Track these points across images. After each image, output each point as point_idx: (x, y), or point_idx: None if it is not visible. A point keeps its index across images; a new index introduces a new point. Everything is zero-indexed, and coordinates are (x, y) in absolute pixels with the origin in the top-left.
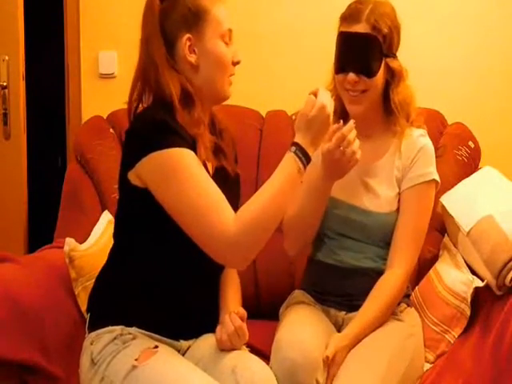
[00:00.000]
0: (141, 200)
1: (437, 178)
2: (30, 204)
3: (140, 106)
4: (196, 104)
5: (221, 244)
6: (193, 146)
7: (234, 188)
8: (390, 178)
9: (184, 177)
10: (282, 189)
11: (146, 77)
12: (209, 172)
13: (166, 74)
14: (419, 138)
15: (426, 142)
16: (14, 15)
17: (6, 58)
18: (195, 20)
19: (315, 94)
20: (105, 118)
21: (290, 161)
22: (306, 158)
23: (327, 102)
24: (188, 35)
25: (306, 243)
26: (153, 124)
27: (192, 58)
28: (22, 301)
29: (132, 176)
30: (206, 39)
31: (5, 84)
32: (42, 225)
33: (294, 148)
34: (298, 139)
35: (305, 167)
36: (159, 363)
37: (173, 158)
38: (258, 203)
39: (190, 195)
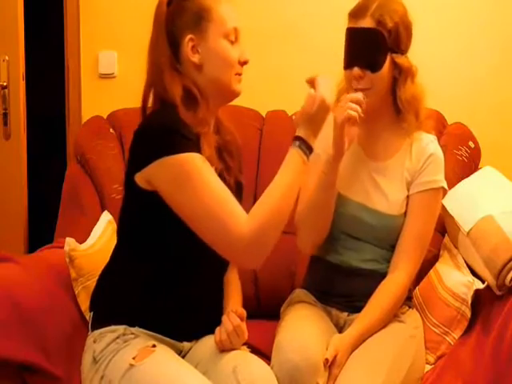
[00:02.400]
0: (146, 201)
1: (445, 185)
2: (30, 204)
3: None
4: (200, 105)
5: (237, 247)
6: (198, 144)
7: (235, 197)
8: (400, 179)
9: (198, 182)
10: (290, 185)
11: (153, 80)
12: None
13: (167, 76)
14: (430, 144)
15: (437, 148)
16: (14, 15)
17: (6, 58)
18: (197, 20)
19: (312, 82)
20: (105, 117)
21: (295, 156)
22: (309, 150)
23: (326, 92)
24: (190, 35)
25: (319, 239)
26: (165, 127)
27: (195, 58)
28: (22, 301)
29: (139, 178)
30: (208, 38)
31: (5, 84)
32: (42, 225)
33: (297, 142)
34: (300, 133)
35: (308, 158)
36: (156, 362)
37: (187, 164)
38: (269, 203)
39: (205, 201)
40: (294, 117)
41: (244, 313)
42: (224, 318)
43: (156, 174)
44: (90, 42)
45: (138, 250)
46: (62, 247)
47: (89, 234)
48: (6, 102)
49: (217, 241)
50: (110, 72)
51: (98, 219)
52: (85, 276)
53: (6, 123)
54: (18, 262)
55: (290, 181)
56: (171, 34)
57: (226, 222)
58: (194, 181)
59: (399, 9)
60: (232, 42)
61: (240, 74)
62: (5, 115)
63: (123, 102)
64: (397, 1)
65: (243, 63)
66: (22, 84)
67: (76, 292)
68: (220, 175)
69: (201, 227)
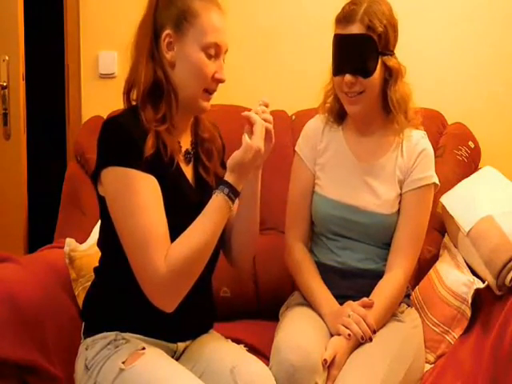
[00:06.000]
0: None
1: (437, 181)
2: (30, 204)
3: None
4: (165, 98)
5: (151, 281)
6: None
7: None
8: (391, 178)
9: (134, 200)
10: (212, 231)
11: (133, 64)
12: (185, 176)
13: (142, 60)
14: (420, 141)
15: (427, 145)
16: (14, 15)
17: (6, 57)
18: (180, 19)
19: (248, 120)
20: (105, 118)
21: (221, 202)
22: (235, 196)
23: (262, 140)
24: (168, 31)
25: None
26: (119, 135)
27: (168, 55)
28: (22, 301)
29: (99, 186)
30: (186, 42)
31: (5, 84)
32: (42, 225)
33: (226, 189)
34: (230, 178)
35: (233, 203)
36: (146, 365)
37: (130, 178)
38: (188, 246)
39: (135, 220)
40: (293, 117)
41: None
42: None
43: (105, 181)
44: (90, 42)
45: (120, 257)
46: (62, 247)
47: (89, 234)
48: (6, 102)
49: (135, 266)
50: (110, 72)
51: (98, 219)
52: (85, 276)
53: (6, 123)
54: (17, 261)
55: (213, 226)
56: (156, 19)
57: (148, 252)
58: (132, 198)
59: (386, 10)
60: (210, 57)
61: (211, 92)
62: (5, 115)
63: (123, 102)
64: (382, 1)
65: (216, 80)
66: (22, 84)
67: (76, 293)
68: (198, 174)
69: (126, 246)
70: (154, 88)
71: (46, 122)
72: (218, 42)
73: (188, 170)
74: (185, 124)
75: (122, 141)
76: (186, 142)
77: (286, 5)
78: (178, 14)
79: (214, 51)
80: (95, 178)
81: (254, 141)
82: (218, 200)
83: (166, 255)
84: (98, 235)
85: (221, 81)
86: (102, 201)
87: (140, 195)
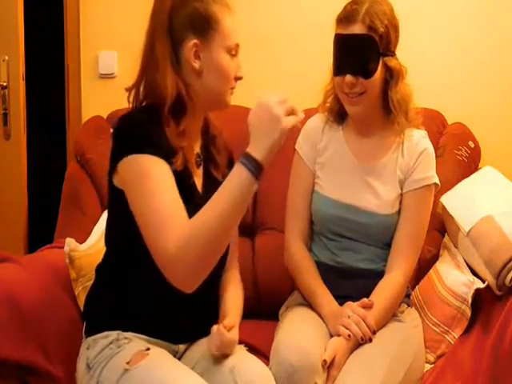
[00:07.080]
0: (127, 204)
1: (437, 181)
2: (30, 204)
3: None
4: (186, 114)
5: (163, 261)
6: (169, 155)
7: None
8: (392, 178)
9: (148, 185)
10: (229, 200)
11: (147, 74)
12: (194, 184)
13: (167, 72)
14: (421, 141)
15: (428, 144)
16: (14, 15)
17: (6, 57)
18: (205, 26)
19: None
20: (105, 118)
21: (238, 170)
22: (254, 166)
23: (278, 108)
24: (195, 41)
25: None
26: (132, 127)
27: (196, 64)
28: (22, 301)
29: (115, 179)
30: (212, 48)
31: (5, 84)
32: (42, 225)
33: (241, 157)
34: (249, 147)
35: (256, 177)
36: (151, 366)
37: (143, 164)
38: (199, 221)
39: (147, 206)
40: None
41: (233, 324)
42: (212, 331)
43: (122, 173)
44: (90, 42)
45: (125, 256)
46: (62, 247)
47: (89, 234)
48: (6, 102)
49: (151, 250)
50: (110, 72)
51: (97, 219)
52: (85, 276)
53: (6, 123)
54: (17, 261)
55: (229, 196)
56: (173, 28)
57: (157, 233)
58: (145, 183)
59: (387, 10)
60: (232, 57)
61: (233, 88)
62: (5, 115)
63: (123, 101)
64: (384, 1)
65: (238, 79)
66: (22, 84)
67: (76, 292)
68: (207, 173)
69: (142, 228)
70: (176, 101)
71: (46, 122)
72: (237, 42)
73: (198, 173)
74: (197, 129)
75: (133, 131)
76: (196, 146)
77: (288, 6)
78: (201, 21)
79: (235, 50)
80: (110, 173)
81: (261, 100)
82: (235, 169)
83: (178, 231)
84: (96, 235)
85: (241, 78)
86: (112, 195)
87: (157, 179)
